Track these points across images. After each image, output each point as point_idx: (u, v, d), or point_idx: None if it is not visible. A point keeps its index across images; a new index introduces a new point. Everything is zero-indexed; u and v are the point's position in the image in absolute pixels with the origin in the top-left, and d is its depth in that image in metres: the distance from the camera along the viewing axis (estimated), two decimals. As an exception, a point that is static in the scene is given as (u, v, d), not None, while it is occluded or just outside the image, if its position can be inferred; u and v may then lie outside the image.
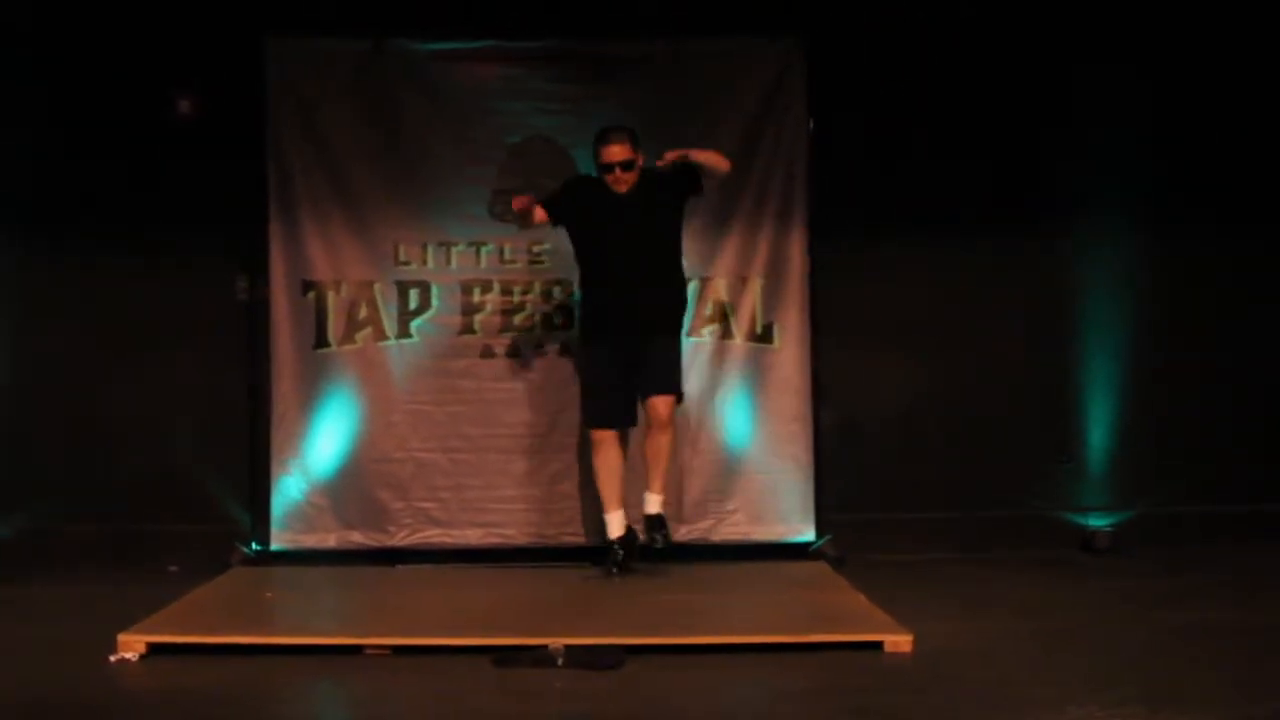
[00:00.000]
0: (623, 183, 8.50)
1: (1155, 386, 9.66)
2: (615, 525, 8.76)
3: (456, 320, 9.46)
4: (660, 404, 8.55)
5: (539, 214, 8.60)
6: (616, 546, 8.73)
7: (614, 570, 8.68)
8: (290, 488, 9.38)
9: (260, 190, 9.36)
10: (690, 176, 8.57)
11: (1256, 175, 9.69)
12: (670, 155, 8.40)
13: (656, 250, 8.67)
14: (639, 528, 8.78)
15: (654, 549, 8.68)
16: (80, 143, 9.31)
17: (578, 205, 8.65)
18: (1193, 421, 9.64)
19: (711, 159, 8.55)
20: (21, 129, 9.30)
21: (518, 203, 8.52)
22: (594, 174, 8.69)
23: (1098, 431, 9.69)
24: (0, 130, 9.28)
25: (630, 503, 8.81)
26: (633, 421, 8.77)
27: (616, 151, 8.48)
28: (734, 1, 9.33)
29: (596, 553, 8.99)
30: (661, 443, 8.62)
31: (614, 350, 8.60)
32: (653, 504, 8.70)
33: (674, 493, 9.25)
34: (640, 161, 8.52)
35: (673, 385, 8.65)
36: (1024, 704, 6.17)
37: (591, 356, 8.79)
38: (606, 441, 8.71)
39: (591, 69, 9.46)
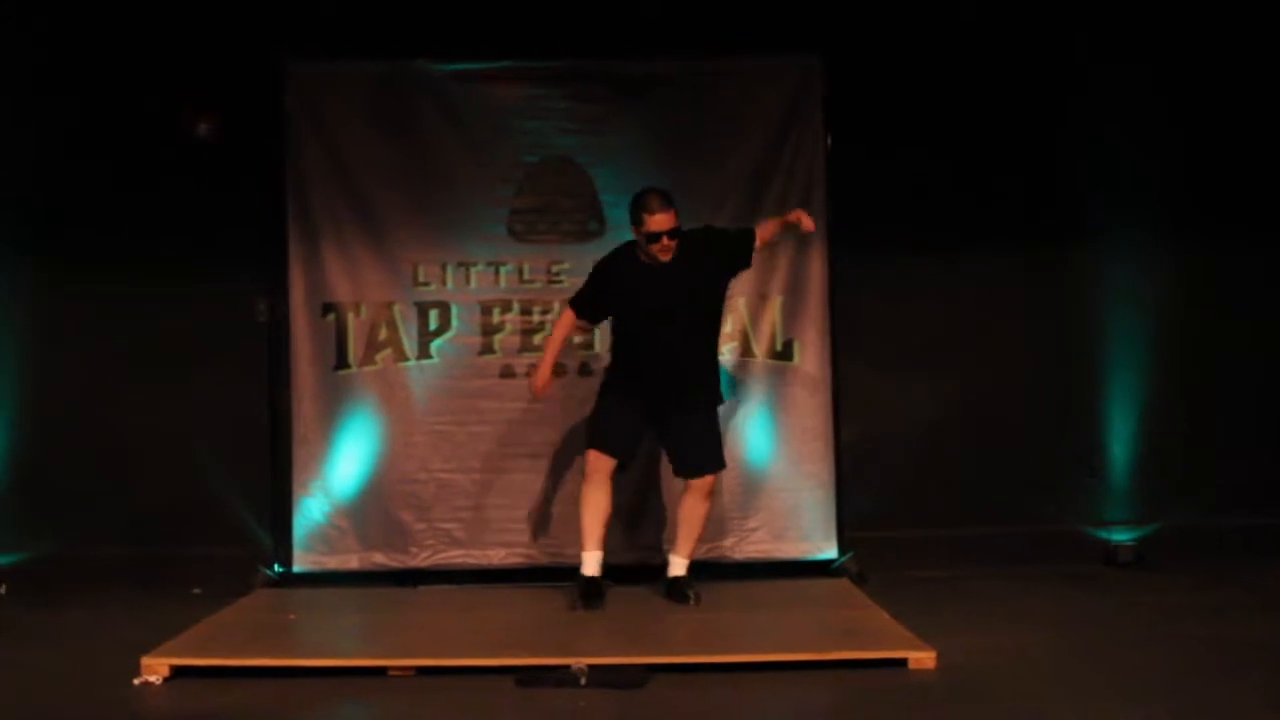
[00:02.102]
0: (668, 250, 8.10)
1: (1178, 399, 9.63)
2: (590, 565, 8.42)
3: (476, 340, 9.46)
4: (702, 482, 8.39)
5: (566, 325, 8.51)
6: (585, 586, 8.38)
7: (578, 605, 8.31)
8: (312, 509, 9.38)
9: (280, 212, 9.39)
10: (745, 247, 8.37)
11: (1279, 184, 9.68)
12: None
13: (699, 321, 8.31)
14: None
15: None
16: (98, 166, 9.33)
17: (619, 288, 8.30)
18: (1216, 434, 9.60)
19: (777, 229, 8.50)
20: (39, 152, 9.33)
21: (538, 388, 8.49)
22: (628, 238, 8.41)
23: (1120, 445, 9.66)
24: (18, 153, 9.32)
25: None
26: (632, 460, 8.54)
27: (663, 220, 8.04)
28: (752, 20, 9.31)
29: (619, 571, 8.89)
30: (699, 512, 8.41)
31: (642, 408, 8.35)
32: (678, 566, 8.49)
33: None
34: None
35: (718, 464, 8.43)
36: (1049, 720, 6.17)
37: (613, 398, 8.44)
38: (600, 473, 8.36)
39: (610, 88, 9.46)
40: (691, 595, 8.35)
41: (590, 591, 8.35)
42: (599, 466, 8.38)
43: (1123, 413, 9.65)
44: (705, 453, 8.39)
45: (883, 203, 9.33)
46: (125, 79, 9.34)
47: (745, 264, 8.48)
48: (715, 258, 8.32)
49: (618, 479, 8.49)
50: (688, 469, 8.41)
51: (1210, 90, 9.61)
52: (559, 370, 9.11)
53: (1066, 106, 9.56)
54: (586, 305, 8.47)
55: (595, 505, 8.40)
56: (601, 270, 8.44)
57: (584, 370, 9.38)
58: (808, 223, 8.22)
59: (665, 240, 8.08)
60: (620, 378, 8.47)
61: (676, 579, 8.47)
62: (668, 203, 8.09)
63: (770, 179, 9.45)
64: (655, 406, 8.33)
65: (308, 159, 9.40)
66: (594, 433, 8.51)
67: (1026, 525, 9.52)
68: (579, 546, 8.52)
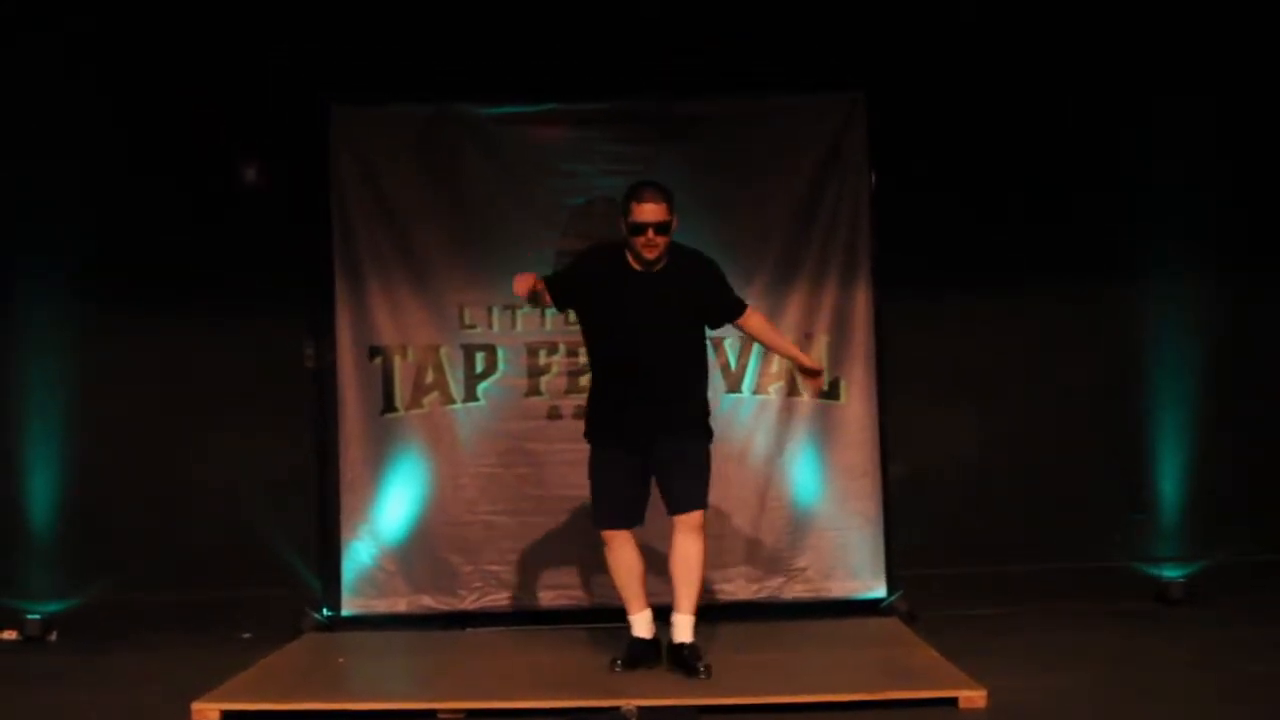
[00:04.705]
0: (654, 247, 7.49)
1: (1227, 434, 9.56)
2: (640, 626, 7.87)
3: (523, 383, 9.47)
4: (691, 517, 7.65)
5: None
6: (636, 647, 7.85)
7: (617, 666, 7.78)
8: (360, 553, 9.39)
9: (326, 256, 9.43)
10: (726, 313, 7.86)
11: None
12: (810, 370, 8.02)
13: (683, 338, 7.73)
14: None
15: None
16: (146, 209, 9.37)
17: (592, 281, 7.70)
18: (1267, 469, 9.53)
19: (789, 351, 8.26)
20: (84, 196, 9.39)
21: (520, 286, 7.38)
22: (615, 242, 7.83)
23: (1169, 481, 9.60)
24: (63, 196, 9.38)
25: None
26: (641, 520, 7.87)
27: (650, 210, 7.45)
28: (794, 58, 9.33)
29: (668, 612, 8.83)
30: (692, 553, 7.62)
31: (628, 451, 7.71)
32: (683, 629, 7.67)
33: (743, 551, 9.25)
34: (675, 225, 7.61)
35: (702, 500, 7.68)
36: (1103, 758, 6.14)
37: (602, 458, 7.83)
38: (619, 540, 7.79)
39: (653, 129, 9.47)
40: (701, 669, 7.54)
41: (639, 654, 7.84)
42: (614, 536, 7.83)
43: (1172, 448, 9.58)
44: (690, 486, 7.66)
45: (928, 238, 9.31)
46: (172, 123, 9.40)
47: (714, 325, 7.97)
48: (702, 295, 7.76)
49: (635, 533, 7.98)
50: (675, 503, 7.68)
51: (1263, 125, 9.57)
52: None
53: (1116, 141, 9.52)
54: (558, 283, 7.71)
55: (625, 566, 7.84)
56: (584, 256, 8.05)
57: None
58: (814, 385, 8.44)
59: (651, 234, 7.49)
60: (601, 412, 7.83)
61: (680, 646, 7.70)
62: (660, 195, 7.53)
63: (815, 216, 9.45)
64: (642, 435, 7.65)
65: (353, 202, 9.44)
66: (600, 514, 7.86)
67: (1076, 562, 9.47)
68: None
